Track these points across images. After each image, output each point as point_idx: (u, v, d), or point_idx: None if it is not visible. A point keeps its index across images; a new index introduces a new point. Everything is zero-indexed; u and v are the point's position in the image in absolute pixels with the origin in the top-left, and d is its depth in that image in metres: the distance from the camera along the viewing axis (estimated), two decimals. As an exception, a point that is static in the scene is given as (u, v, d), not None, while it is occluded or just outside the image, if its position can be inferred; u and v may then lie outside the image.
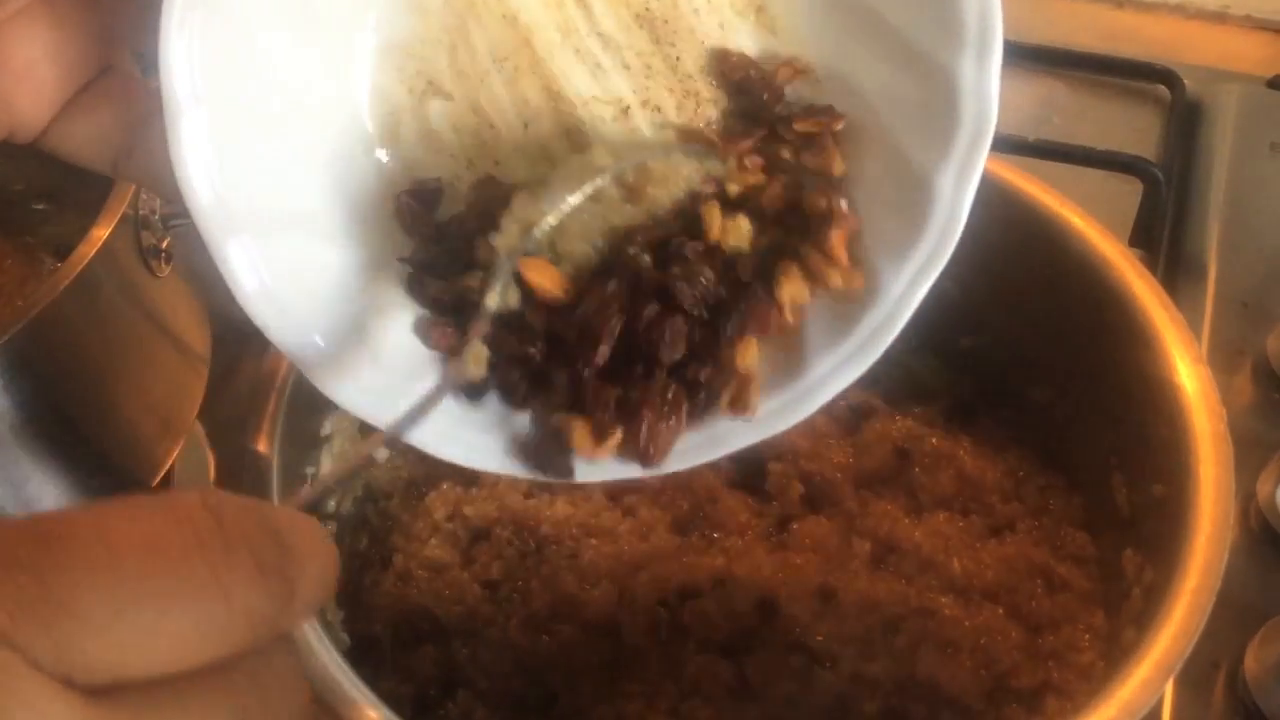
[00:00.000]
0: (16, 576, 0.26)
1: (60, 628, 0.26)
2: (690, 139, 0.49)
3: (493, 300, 0.44)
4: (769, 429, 0.47)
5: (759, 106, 0.48)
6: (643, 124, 0.49)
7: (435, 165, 0.49)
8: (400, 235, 0.48)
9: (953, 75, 0.42)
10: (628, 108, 0.49)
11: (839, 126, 0.47)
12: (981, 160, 0.43)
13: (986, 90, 0.42)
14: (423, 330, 0.47)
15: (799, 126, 0.47)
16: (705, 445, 0.47)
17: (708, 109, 0.49)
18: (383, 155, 0.49)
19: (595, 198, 0.46)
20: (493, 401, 0.46)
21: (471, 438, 0.46)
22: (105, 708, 0.27)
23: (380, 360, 0.46)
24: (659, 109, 0.49)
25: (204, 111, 0.41)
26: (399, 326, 0.47)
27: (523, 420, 0.47)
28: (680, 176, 0.48)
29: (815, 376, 0.46)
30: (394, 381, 0.45)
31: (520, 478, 0.49)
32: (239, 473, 0.59)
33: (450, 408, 0.46)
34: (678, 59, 0.49)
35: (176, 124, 0.41)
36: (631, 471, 0.46)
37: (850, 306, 0.46)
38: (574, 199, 0.46)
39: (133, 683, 0.28)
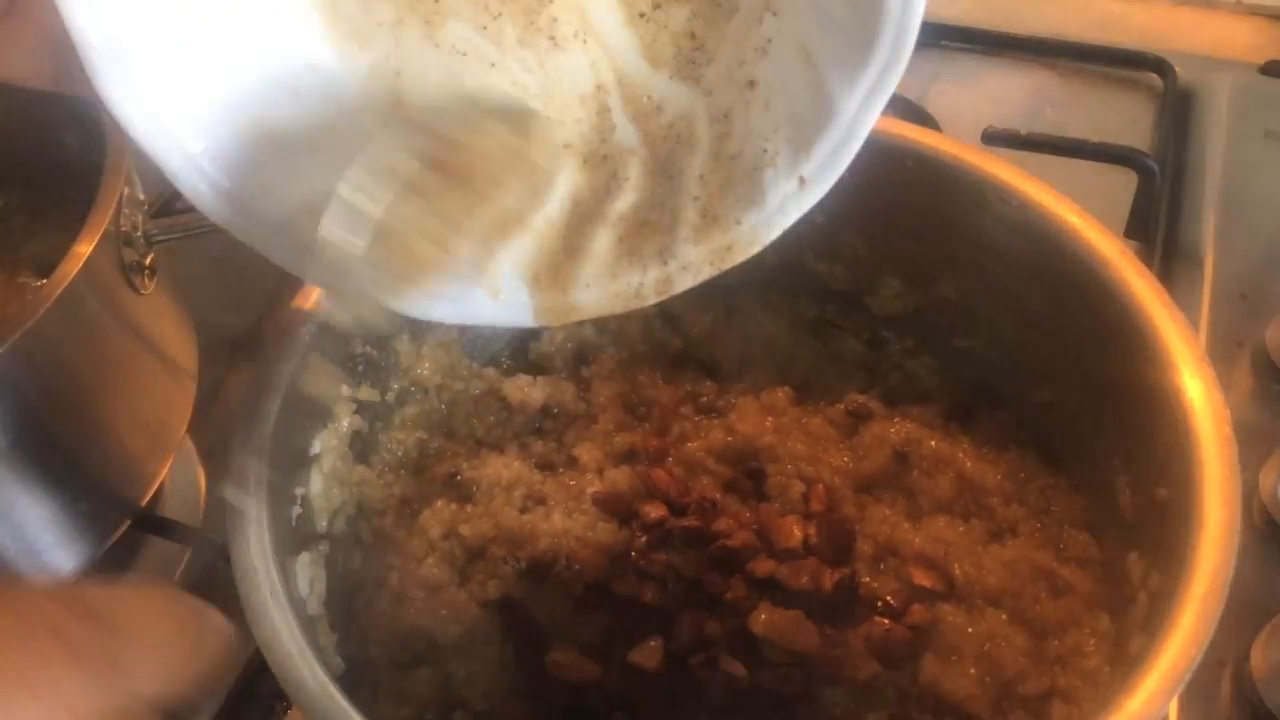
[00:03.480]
0: None
1: None
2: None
3: None
4: (731, 259, 0.49)
5: None
6: None
7: (374, 18, 0.49)
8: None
9: None
10: None
11: None
12: None
13: None
14: None
15: None
16: (684, 272, 0.49)
17: None
18: (316, 21, 0.48)
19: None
20: None
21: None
22: None
23: (345, 230, 0.47)
24: None
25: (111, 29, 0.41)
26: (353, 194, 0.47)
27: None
28: None
29: (775, 203, 0.48)
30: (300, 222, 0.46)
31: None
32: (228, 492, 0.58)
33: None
34: None
35: (86, 47, 0.41)
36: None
37: (807, 128, 0.46)
38: None
39: None
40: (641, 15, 0.50)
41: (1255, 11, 1.21)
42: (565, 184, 0.51)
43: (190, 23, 0.44)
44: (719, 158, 0.50)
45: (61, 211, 0.75)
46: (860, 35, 0.44)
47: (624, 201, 0.51)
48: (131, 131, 0.43)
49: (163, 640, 0.31)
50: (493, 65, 0.50)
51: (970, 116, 1.05)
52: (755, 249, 0.49)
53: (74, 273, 0.64)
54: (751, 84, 0.49)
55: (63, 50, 0.43)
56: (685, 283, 0.50)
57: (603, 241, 0.51)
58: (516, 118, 0.51)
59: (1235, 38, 1.19)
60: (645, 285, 0.50)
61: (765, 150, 0.48)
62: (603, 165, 0.52)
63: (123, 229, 0.69)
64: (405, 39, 0.49)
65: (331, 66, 0.49)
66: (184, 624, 0.32)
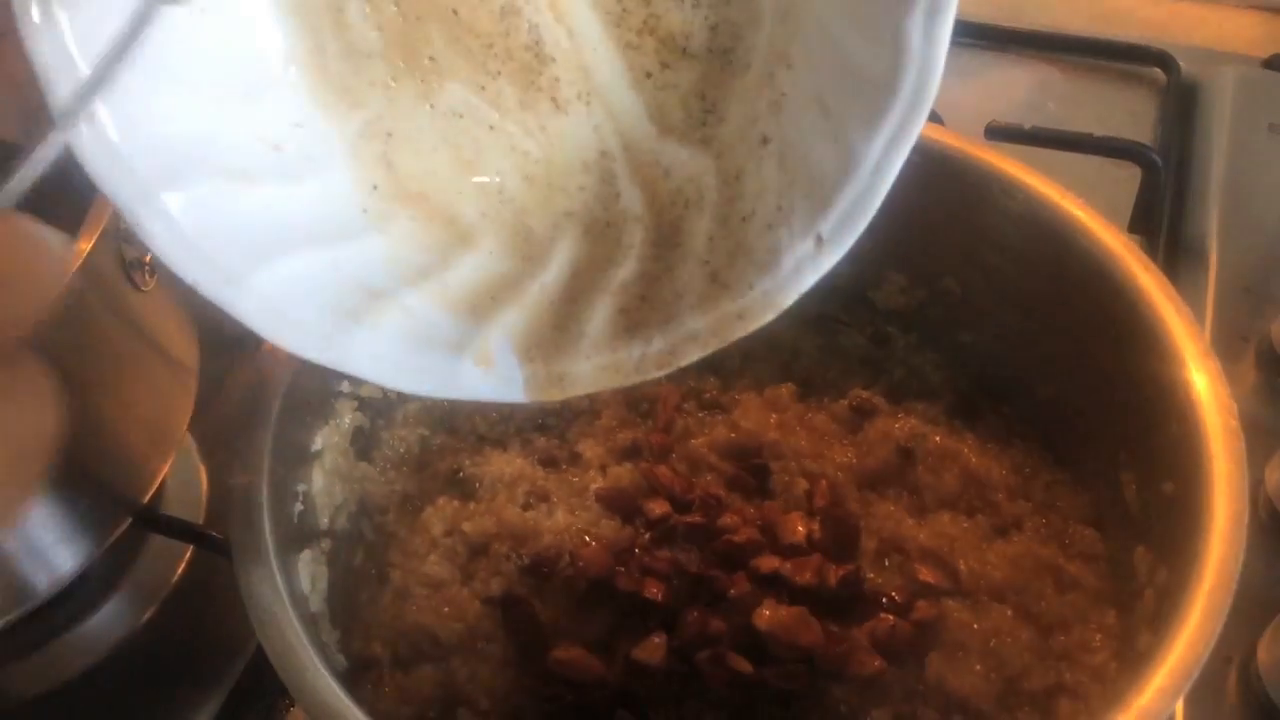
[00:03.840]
0: None
1: None
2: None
3: None
4: (742, 328, 0.46)
5: None
6: None
7: (366, 77, 0.47)
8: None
9: None
10: None
11: None
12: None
13: None
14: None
15: None
16: (690, 342, 0.46)
17: None
18: (303, 78, 0.47)
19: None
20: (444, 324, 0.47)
21: (424, 363, 0.46)
22: None
23: (326, 296, 0.45)
24: None
25: (87, 72, 0.39)
26: (336, 258, 0.46)
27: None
28: None
29: (790, 265, 0.45)
30: (336, 317, 0.45)
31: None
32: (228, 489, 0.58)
33: (401, 333, 0.46)
34: None
35: (55, 92, 0.39)
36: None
37: (825, 183, 0.44)
38: None
39: None
40: (648, 75, 0.49)
41: (1258, 5, 1.20)
42: (565, 253, 0.50)
43: (162, 75, 0.42)
44: (729, 220, 0.48)
45: (62, 209, 0.74)
46: (881, 79, 0.42)
47: (627, 270, 0.49)
48: (102, 185, 0.41)
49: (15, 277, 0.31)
50: (491, 128, 0.49)
51: (973, 111, 1.04)
52: (769, 316, 0.46)
53: (73, 269, 0.63)
54: (764, 141, 0.47)
55: (32, 103, 0.43)
56: (691, 355, 0.47)
57: (603, 312, 0.48)
58: (514, 183, 0.50)
59: (1239, 31, 1.18)
60: (647, 358, 0.47)
61: (780, 208, 0.45)
62: (605, 233, 0.50)
63: (123, 226, 0.68)
64: (399, 99, 0.48)
65: (318, 125, 0.47)
66: (34, 252, 0.32)
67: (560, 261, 0.50)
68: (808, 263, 0.44)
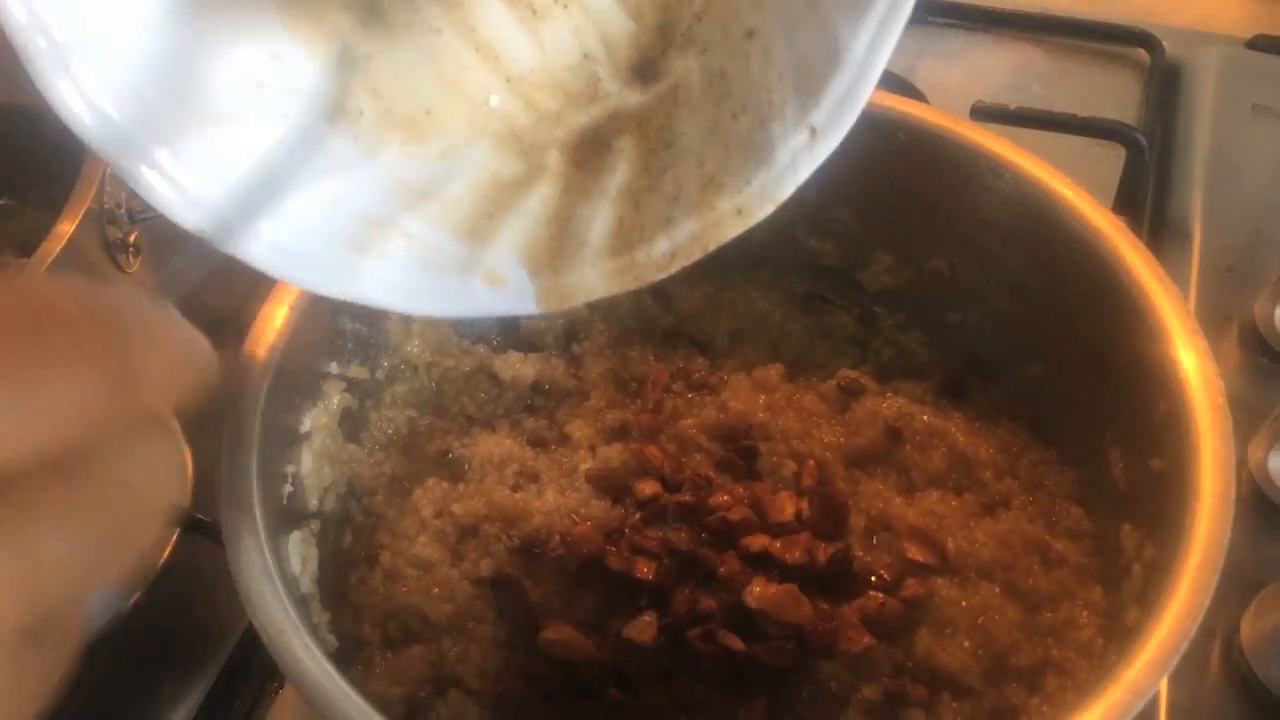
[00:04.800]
0: None
1: None
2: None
3: None
4: (740, 224, 0.46)
5: None
6: None
7: (339, 3, 0.47)
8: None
9: None
10: None
11: None
12: None
13: None
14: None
15: None
16: (692, 242, 0.46)
17: None
18: (276, 7, 0.46)
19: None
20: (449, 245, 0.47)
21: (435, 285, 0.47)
22: None
23: (330, 230, 0.45)
24: None
25: (56, 31, 0.39)
26: (335, 191, 0.46)
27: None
28: None
29: (785, 158, 0.45)
30: (344, 250, 0.46)
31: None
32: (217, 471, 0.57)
33: (408, 259, 0.46)
34: None
35: (32, 54, 0.39)
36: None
37: (814, 74, 0.43)
38: None
39: None
40: None
41: (1241, -14, 1.21)
42: (558, 162, 0.50)
43: (138, 17, 0.42)
44: (720, 118, 0.47)
45: (45, 190, 0.73)
46: None
47: (621, 175, 0.49)
48: (92, 144, 0.41)
49: (166, 345, 0.31)
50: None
51: (958, 92, 1.04)
52: (767, 210, 0.45)
53: (56, 251, 0.63)
54: (749, 34, 0.46)
55: (4, 57, 0.42)
56: (692, 255, 0.47)
57: (603, 220, 0.48)
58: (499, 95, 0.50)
59: (1222, 12, 1.19)
60: (650, 260, 0.47)
61: (770, 102, 0.45)
62: (596, 139, 0.50)
63: (106, 206, 0.68)
64: (370, 20, 0.47)
65: (295, 55, 0.46)
66: (180, 333, 0.32)
67: (555, 171, 0.50)
68: (803, 154, 0.44)
